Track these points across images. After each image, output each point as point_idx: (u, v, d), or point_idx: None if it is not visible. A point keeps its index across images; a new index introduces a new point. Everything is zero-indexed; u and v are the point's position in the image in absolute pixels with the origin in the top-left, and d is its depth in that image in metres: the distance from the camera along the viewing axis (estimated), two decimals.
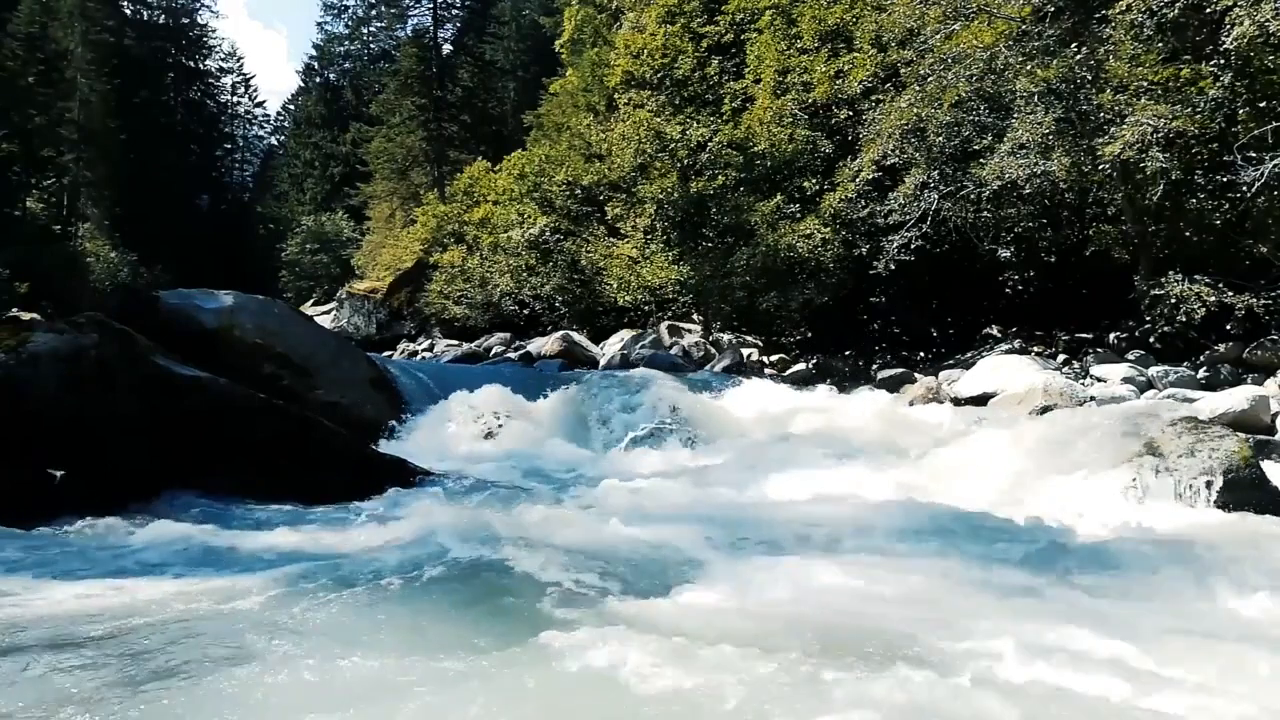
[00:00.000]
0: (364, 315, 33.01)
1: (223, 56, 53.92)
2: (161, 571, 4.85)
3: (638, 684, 3.36)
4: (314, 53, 58.79)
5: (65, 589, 4.49)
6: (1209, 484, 6.52)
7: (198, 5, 51.03)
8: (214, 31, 76.41)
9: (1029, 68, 12.73)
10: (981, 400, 11.52)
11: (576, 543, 5.48)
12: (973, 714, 3.14)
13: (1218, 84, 11.52)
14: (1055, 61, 12.42)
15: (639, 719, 3.15)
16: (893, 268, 14.48)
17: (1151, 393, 11.02)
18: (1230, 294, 11.63)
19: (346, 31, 57.74)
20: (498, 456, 9.68)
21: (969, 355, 14.19)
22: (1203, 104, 11.57)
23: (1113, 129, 11.92)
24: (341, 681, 3.37)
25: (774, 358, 16.79)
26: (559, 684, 3.38)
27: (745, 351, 16.96)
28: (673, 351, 17.26)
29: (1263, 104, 11.41)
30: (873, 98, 16.22)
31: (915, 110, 14.29)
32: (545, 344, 20.04)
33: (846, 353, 16.28)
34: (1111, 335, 13.58)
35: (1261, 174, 10.78)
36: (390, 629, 3.97)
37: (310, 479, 7.20)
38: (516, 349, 21.77)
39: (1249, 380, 11.02)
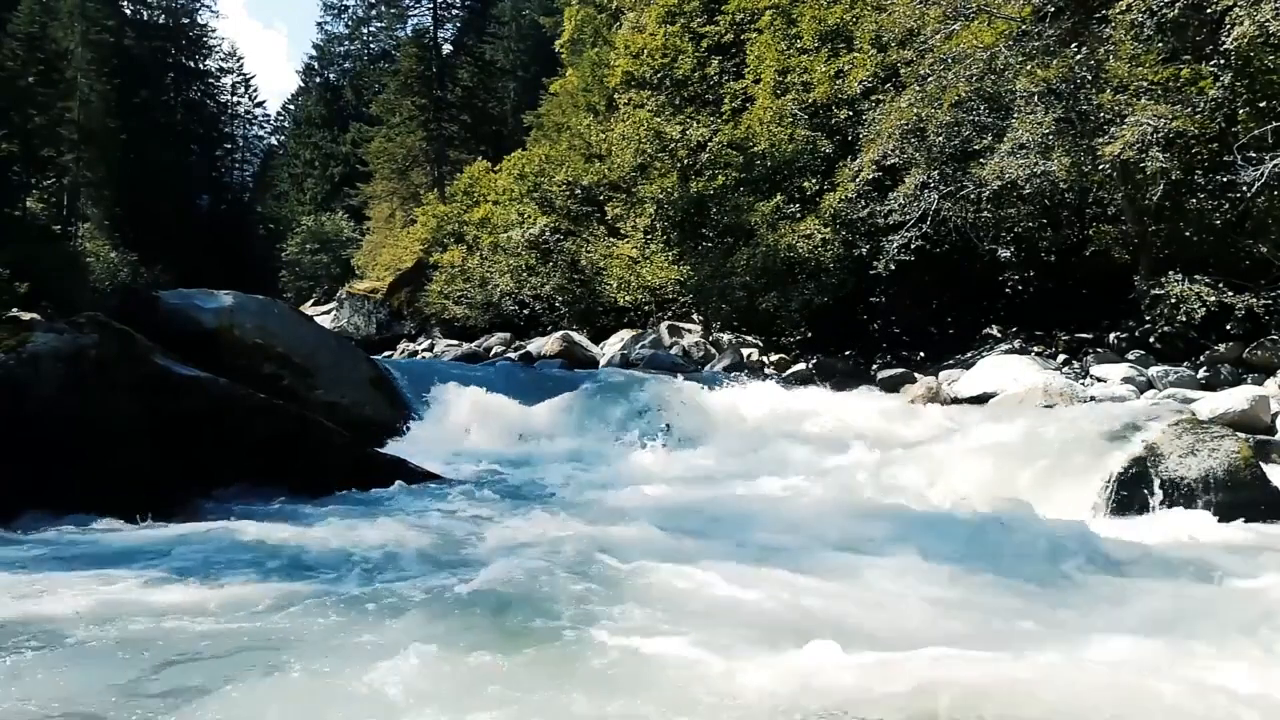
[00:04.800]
0: (364, 315, 33.01)
1: (223, 56, 53.92)
2: (160, 570, 4.84)
3: (637, 683, 3.36)
4: (314, 53, 58.96)
5: (62, 589, 4.49)
6: (1209, 484, 6.52)
7: (198, 5, 51.04)
8: (214, 31, 76.53)
9: (1029, 68, 12.72)
10: (981, 400, 11.52)
11: (576, 542, 5.48)
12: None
13: (1218, 84, 11.51)
14: (1055, 61, 12.41)
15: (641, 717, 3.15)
16: (893, 268, 14.47)
17: (1151, 393, 11.02)
18: (1230, 294, 11.62)
19: (346, 31, 57.84)
20: (497, 456, 9.67)
21: (969, 355, 14.18)
22: (1203, 104, 11.56)
23: (1113, 129, 11.91)
24: (338, 681, 3.37)
25: (774, 358, 16.78)
26: (558, 683, 3.38)
27: (745, 351, 16.95)
28: (673, 351, 17.26)
29: (1263, 104, 11.40)
30: (873, 98, 16.21)
31: (915, 110, 14.28)
32: (545, 344, 20.04)
33: (846, 353, 16.27)
34: (1111, 335, 13.57)
35: (1261, 174, 10.77)
36: (389, 629, 3.97)
37: (310, 478, 7.20)
38: (516, 349, 21.76)
39: (1249, 380, 11.02)
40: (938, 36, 13.84)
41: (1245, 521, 6.23)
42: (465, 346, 24.05)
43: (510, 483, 8.19)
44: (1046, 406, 10.16)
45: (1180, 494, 6.55)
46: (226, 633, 3.90)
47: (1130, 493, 6.66)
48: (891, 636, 3.90)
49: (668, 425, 10.65)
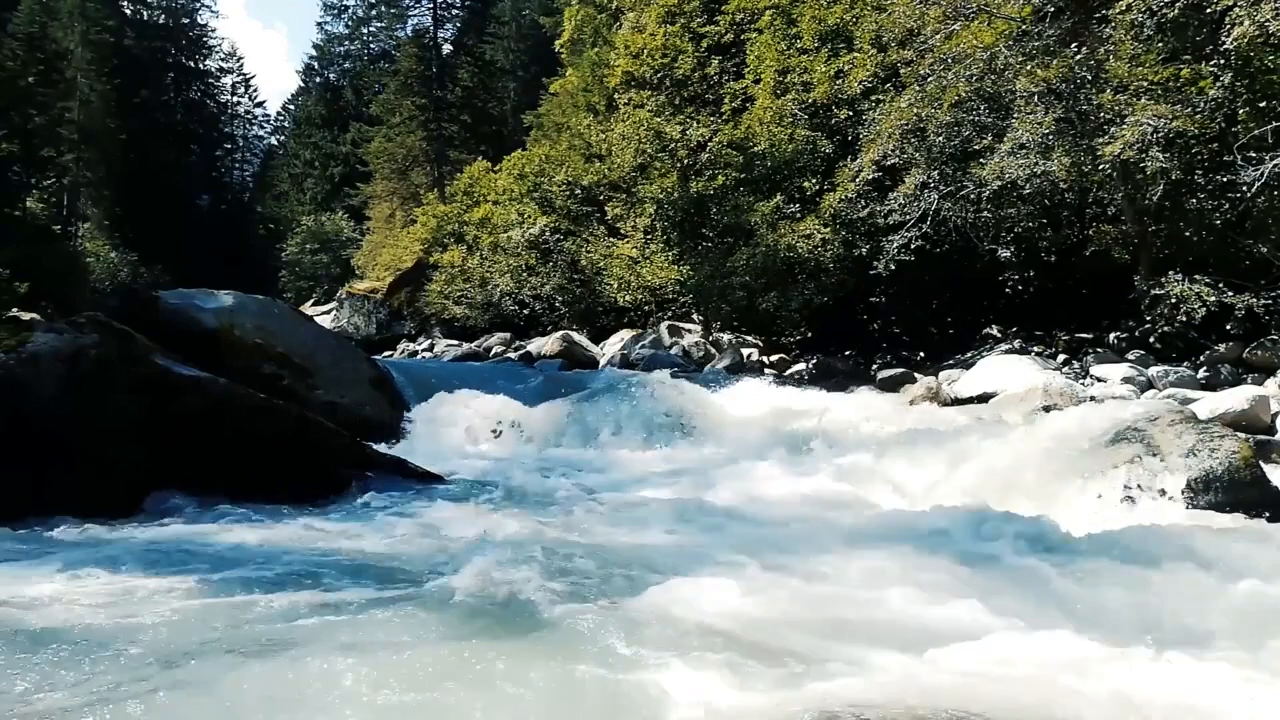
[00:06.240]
0: (364, 315, 33.03)
1: (223, 56, 54.08)
2: (160, 571, 4.84)
3: (633, 683, 3.37)
4: (314, 53, 58.88)
5: (61, 589, 4.49)
6: (1209, 484, 6.52)
7: (198, 5, 51.16)
8: (214, 31, 76.81)
9: (1029, 68, 12.72)
10: (982, 400, 11.51)
11: (575, 544, 5.49)
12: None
13: (1218, 84, 11.51)
14: (1055, 61, 12.41)
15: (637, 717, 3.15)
16: (893, 268, 14.46)
17: (1151, 393, 11.02)
18: (1230, 294, 11.61)
19: (346, 31, 57.81)
20: (497, 457, 9.68)
21: (969, 355, 14.17)
22: (1203, 104, 11.56)
23: (1113, 129, 11.91)
24: (337, 681, 3.37)
25: (774, 358, 16.78)
26: (560, 683, 3.38)
27: (745, 351, 16.95)
28: (673, 351, 17.26)
29: (1263, 104, 11.39)
30: (873, 98, 16.21)
31: (915, 110, 14.27)
32: (545, 344, 20.06)
33: (846, 353, 16.27)
34: (1111, 335, 13.56)
35: (1261, 174, 10.76)
36: (389, 629, 3.97)
37: (310, 479, 7.21)
38: (516, 349, 21.78)
39: (1249, 380, 11.01)
40: (938, 36, 13.84)
41: (1245, 521, 6.22)
42: (465, 346, 24.09)
43: (510, 483, 8.18)
44: (1046, 407, 10.16)
45: (1180, 494, 6.55)
46: (222, 633, 3.90)
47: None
48: (891, 640, 3.90)
49: (667, 426, 10.65)
